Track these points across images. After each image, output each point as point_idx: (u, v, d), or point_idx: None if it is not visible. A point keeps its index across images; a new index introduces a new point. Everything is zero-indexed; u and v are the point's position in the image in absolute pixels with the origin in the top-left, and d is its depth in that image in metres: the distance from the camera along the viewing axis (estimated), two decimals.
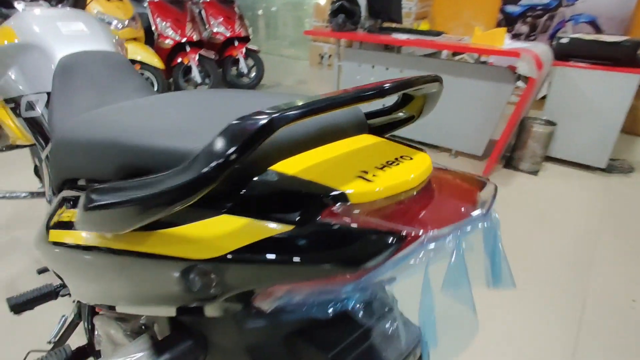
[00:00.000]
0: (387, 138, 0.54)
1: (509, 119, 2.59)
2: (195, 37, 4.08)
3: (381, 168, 0.43)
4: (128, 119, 0.53)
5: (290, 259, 0.36)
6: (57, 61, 0.87)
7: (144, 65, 3.66)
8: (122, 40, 1.10)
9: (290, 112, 0.35)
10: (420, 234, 0.35)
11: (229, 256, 0.38)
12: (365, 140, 0.52)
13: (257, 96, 0.62)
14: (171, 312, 0.47)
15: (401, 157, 0.47)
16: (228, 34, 4.41)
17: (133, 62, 3.62)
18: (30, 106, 0.93)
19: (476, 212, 0.40)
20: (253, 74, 4.69)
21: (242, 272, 0.40)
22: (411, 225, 0.36)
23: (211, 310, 0.44)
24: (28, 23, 0.92)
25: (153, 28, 3.96)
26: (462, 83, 2.80)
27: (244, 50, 4.43)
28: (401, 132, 0.65)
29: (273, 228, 0.38)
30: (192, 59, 4.01)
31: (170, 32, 3.97)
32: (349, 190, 0.39)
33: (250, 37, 4.66)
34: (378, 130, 0.63)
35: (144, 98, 0.65)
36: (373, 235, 0.35)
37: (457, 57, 4.28)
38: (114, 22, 3.56)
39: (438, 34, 3.03)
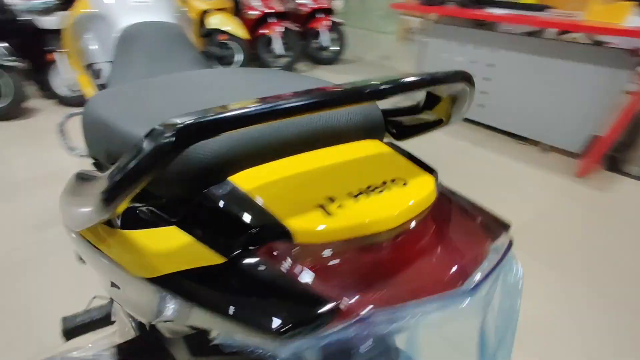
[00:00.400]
0: (394, 148, 0.45)
1: (622, 111, 2.18)
2: (279, 9, 4.10)
3: (356, 195, 0.34)
4: (122, 101, 0.51)
5: (214, 303, 0.30)
6: (120, 31, 0.90)
7: (230, 35, 3.79)
8: (186, 11, 1.12)
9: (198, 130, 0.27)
10: (364, 312, 0.26)
11: (165, 279, 0.34)
12: (366, 149, 0.43)
13: (276, 79, 0.56)
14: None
15: (393, 180, 0.37)
16: (313, 6, 4.35)
17: (221, 32, 3.77)
18: (100, 74, 0.99)
19: (461, 284, 0.30)
20: (335, 48, 4.61)
21: (175, 303, 0.34)
22: (358, 291, 0.27)
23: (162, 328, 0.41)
24: None
25: None
26: (565, 66, 2.42)
27: (327, 22, 4.35)
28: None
29: (208, 256, 0.33)
30: (274, 31, 4.04)
31: (256, 3, 4.04)
32: (295, 226, 0.31)
33: (338, 8, 4.56)
34: (402, 132, 0.53)
35: (165, 76, 0.63)
36: (298, 298, 0.27)
37: (565, 36, 3.71)
38: None
39: (543, 8, 2.63)
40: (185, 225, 0.35)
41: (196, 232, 0.35)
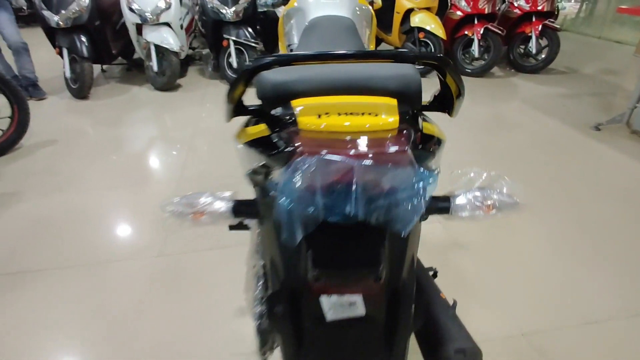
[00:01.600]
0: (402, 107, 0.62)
1: None
2: (486, 10, 3.94)
3: (340, 115, 0.55)
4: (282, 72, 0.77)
5: (259, 147, 0.59)
6: (308, 21, 1.20)
7: (429, 34, 3.90)
8: (366, 8, 1.34)
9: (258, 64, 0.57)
10: (306, 153, 0.48)
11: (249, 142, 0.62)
12: (378, 100, 0.61)
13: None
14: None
15: (370, 113, 0.56)
16: (527, 8, 4.01)
17: (420, 30, 3.92)
18: None
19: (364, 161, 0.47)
20: (542, 56, 4.14)
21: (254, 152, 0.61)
22: (312, 149, 0.48)
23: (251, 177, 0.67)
24: None
25: None
26: None
27: (539, 27, 3.94)
28: None
29: (267, 131, 0.60)
30: (475, 32, 3.93)
31: (462, 3, 4.00)
32: (300, 121, 0.57)
33: (559, 11, 4.06)
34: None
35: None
36: (289, 147, 0.50)
37: None
38: None
39: None
40: (267, 122, 0.62)
41: (267, 124, 0.61)
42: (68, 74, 3.45)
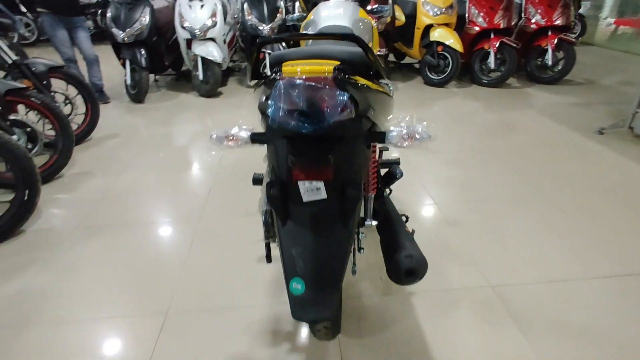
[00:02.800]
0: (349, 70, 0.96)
1: None
2: (502, 25, 4.21)
3: (303, 65, 0.90)
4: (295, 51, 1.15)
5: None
6: (318, 29, 1.58)
7: (447, 47, 4.22)
8: (367, 21, 1.71)
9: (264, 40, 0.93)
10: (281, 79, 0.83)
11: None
12: (328, 61, 0.96)
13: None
14: None
15: (324, 69, 0.89)
16: (543, 23, 4.24)
17: (439, 44, 4.24)
18: None
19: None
20: (558, 67, 4.33)
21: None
22: (284, 77, 0.84)
23: None
24: (316, 9, 1.68)
25: (466, 15, 4.39)
26: None
27: (555, 41, 4.15)
28: None
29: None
30: (492, 46, 4.20)
31: (479, 19, 4.29)
32: (284, 71, 0.90)
33: (575, 25, 4.24)
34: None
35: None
36: (272, 77, 0.86)
37: None
38: (434, 10, 4.25)
39: None
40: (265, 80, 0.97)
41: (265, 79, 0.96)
42: (129, 81, 4.05)
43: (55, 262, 1.79)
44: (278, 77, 0.88)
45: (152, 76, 4.90)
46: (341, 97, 0.83)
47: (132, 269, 1.74)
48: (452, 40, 4.18)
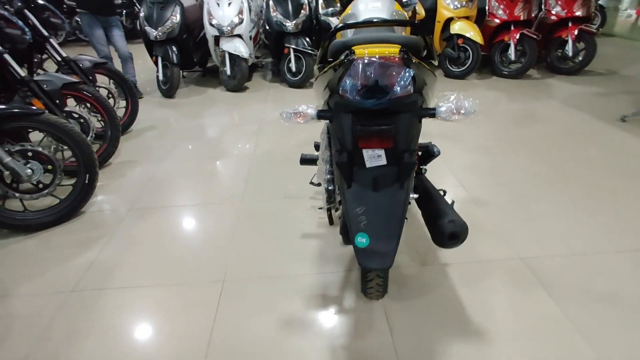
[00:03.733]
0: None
1: None
2: (522, 17, 4.27)
3: (373, 48, 1.03)
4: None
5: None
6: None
7: (467, 40, 4.30)
8: (401, 14, 1.83)
9: (343, 26, 1.11)
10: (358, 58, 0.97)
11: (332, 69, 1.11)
12: (391, 46, 1.10)
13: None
14: None
15: (387, 51, 1.03)
16: (563, 14, 4.28)
17: (459, 36, 4.33)
18: None
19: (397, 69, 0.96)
20: (579, 58, 4.37)
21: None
22: (360, 57, 0.99)
23: None
24: (355, 3, 1.82)
25: (487, 8, 4.46)
26: None
27: (575, 32, 4.20)
28: None
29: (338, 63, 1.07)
30: (512, 37, 4.27)
31: (499, 12, 4.36)
32: (356, 52, 1.05)
33: (596, 16, 4.28)
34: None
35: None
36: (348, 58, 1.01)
37: None
38: (454, 3, 4.34)
39: None
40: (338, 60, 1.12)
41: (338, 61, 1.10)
42: (161, 77, 4.25)
43: (117, 238, 1.98)
44: (354, 58, 1.02)
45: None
46: (408, 74, 0.97)
47: (186, 244, 1.91)
48: (472, 32, 4.26)
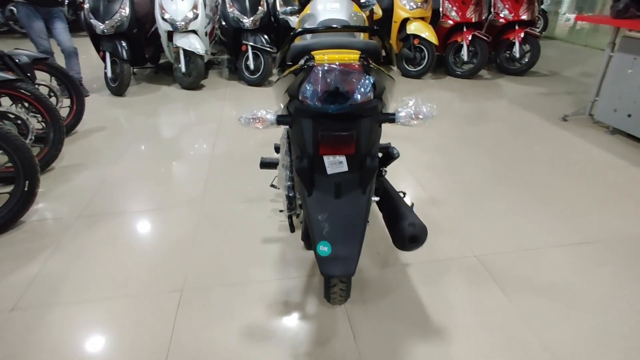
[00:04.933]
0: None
1: None
2: (474, 19, 4.46)
3: (333, 54, 1.02)
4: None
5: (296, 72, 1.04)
6: (317, 22, 1.70)
7: (423, 40, 4.41)
8: (360, 15, 1.84)
9: (302, 31, 1.06)
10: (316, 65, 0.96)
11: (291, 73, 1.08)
12: (351, 51, 1.10)
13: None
14: None
15: (347, 57, 1.02)
16: (510, 18, 4.51)
17: (415, 36, 4.43)
18: None
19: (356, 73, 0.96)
20: (525, 60, 4.63)
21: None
22: (317, 65, 0.97)
23: None
24: (313, 3, 1.80)
25: (440, 10, 4.61)
26: None
27: (521, 34, 4.44)
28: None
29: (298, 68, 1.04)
30: (465, 39, 4.44)
31: (453, 13, 4.52)
32: (316, 59, 1.02)
33: (539, 20, 4.54)
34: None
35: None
36: (306, 65, 0.98)
37: None
38: (410, 4, 4.44)
39: None
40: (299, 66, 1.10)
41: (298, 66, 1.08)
42: (109, 74, 4.01)
43: (64, 248, 1.84)
44: (314, 64, 1.00)
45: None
46: (368, 81, 0.97)
47: (142, 252, 1.82)
48: (427, 33, 4.38)
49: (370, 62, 1.07)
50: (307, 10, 1.85)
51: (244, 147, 2.89)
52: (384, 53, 1.33)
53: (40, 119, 2.56)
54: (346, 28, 1.10)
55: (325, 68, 0.97)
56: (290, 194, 1.23)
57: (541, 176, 2.46)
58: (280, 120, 1.13)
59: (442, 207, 2.15)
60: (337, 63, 0.98)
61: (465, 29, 4.48)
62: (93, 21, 3.89)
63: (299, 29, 1.12)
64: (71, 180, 2.47)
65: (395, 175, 2.50)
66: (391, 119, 1.11)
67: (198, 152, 2.84)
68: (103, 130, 3.25)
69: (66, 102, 3.08)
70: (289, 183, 1.23)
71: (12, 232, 1.97)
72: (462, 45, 4.51)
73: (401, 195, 1.45)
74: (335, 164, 1.05)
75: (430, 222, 2.02)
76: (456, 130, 3.20)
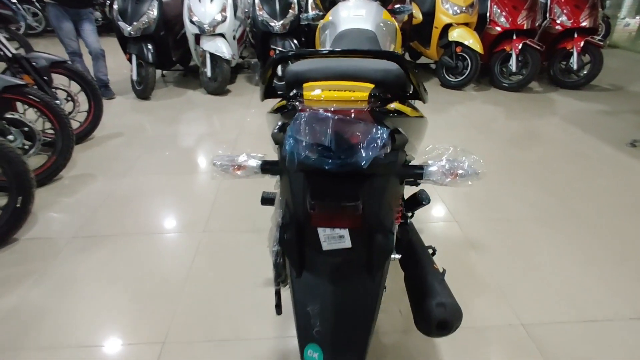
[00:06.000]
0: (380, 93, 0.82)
1: None
2: (525, 26, 4.00)
3: (330, 90, 0.76)
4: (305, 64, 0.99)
5: (279, 111, 0.80)
6: (337, 33, 1.42)
7: (465, 47, 4.02)
8: (391, 24, 1.54)
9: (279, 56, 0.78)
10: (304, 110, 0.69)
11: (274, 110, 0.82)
12: (359, 83, 0.82)
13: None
14: None
15: (350, 90, 0.76)
16: (569, 25, 4.02)
17: (458, 44, 4.04)
18: None
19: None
20: (584, 72, 4.11)
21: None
22: (306, 108, 0.69)
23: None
24: (335, 10, 1.52)
25: (488, 14, 4.18)
26: None
27: (581, 43, 3.94)
28: None
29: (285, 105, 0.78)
30: (514, 48, 3.99)
31: (502, 19, 4.08)
32: (305, 95, 0.78)
33: (601, 27, 4.02)
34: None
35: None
36: (292, 107, 0.73)
37: None
38: (454, 8, 4.05)
39: None
40: (287, 99, 0.82)
41: (287, 100, 0.80)
42: (135, 77, 3.91)
43: (49, 277, 1.67)
44: (298, 106, 0.72)
45: (159, 71, 4.76)
46: (379, 133, 0.68)
47: (129, 287, 1.61)
48: (471, 40, 3.99)
49: (385, 101, 0.79)
50: (328, 17, 1.58)
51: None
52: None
53: (51, 126, 2.44)
54: (349, 53, 0.80)
55: (312, 117, 0.68)
56: (279, 260, 0.95)
57: (609, 218, 2.04)
58: (265, 168, 0.86)
59: (481, 254, 1.80)
60: (332, 107, 0.69)
61: (515, 37, 4.03)
62: (120, 23, 3.80)
63: (279, 53, 0.83)
64: (76, 192, 2.33)
65: (429, 205, 2.16)
66: (417, 174, 0.81)
67: (211, 166, 2.63)
68: (120, 136, 3.12)
69: (84, 106, 2.97)
70: (277, 248, 0.96)
71: (2, 252, 1.82)
72: (510, 55, 4.06)
73: (430, 252, 1.13)
74: (334, 238, 0.76)
75: (465, 272, 1.68)
76: (500, 153, 2.80)
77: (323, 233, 0.76)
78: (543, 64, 4.23)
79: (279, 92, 0.93)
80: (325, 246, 0.77)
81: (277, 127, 0.80)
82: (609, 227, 1.96)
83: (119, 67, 4.96)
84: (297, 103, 0.76)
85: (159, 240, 1.90)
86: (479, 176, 0.78)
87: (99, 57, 3.83)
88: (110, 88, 4.05)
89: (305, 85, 0.83)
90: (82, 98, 2.96)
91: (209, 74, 4.02)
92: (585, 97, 4.00)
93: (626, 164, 2.61)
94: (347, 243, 0.76)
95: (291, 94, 0.86)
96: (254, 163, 0.86)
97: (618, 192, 2.28)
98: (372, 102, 0.75)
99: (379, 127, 0.69)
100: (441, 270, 1.05)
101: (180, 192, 2.32)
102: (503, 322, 1.45)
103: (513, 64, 4.05)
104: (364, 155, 0.67)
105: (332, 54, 0.82)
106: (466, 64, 4.13)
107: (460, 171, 0.77)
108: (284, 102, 0.87)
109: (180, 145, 2.96)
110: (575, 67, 4.06)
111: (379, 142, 0.67)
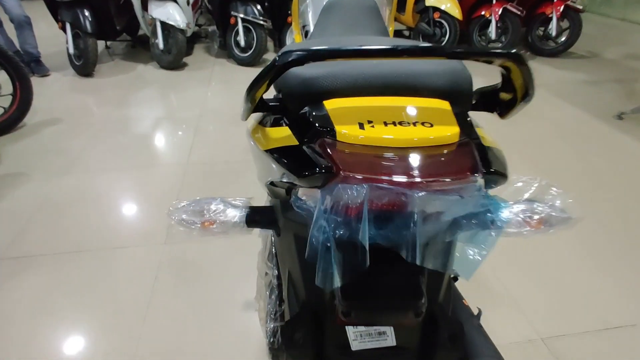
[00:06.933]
0: (457, 109, 0.52)
1: None
2: None
3: (387, 124, 0.45)
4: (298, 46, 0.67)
5: (288, 160, 0.48)
6: (327, 1, 1.10)
7: (444, 14, 3.75)
8: None
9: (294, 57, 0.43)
10: (338, 173, 0.41)
11: (272, 150, 0.52)
12: (428, 103, 0.52)
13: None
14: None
15: (423, 123, 0.46)
16: None
17: (435, 9, 3.76)
18: (308, 35, 1.23)
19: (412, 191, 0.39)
20: (562, 39, 3.96)
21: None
22: (358, 172, 0.39)
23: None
24: None
25: None
26: None
27: (560, 8, 3.75)
28: None
29: (293, 140, 0.50)
30: (493, 13, 3.76)
31: None
32: (339, 130, 0.46)
33: None
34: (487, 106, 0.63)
35: (340, 37, 0.78)
36: (322, 165, 0.42)
37: None
38: None
39: None
40: (291, 126, 0.52)
41: (293, 129, 0.51)
42: (71, 50, 3.35)
43: None
44: (330, 165, 0.43)
45: (102, 43, 4.16)
46: (490, 214, 0.40)
47: (74, 323, 1.29)
48: (449, 5, 3.72)
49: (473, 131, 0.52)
50: None
51: (229, 151, 2.32)
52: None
53: None
54: (424, 51, 0.46)
55: (377, 194, 0.41)
56: (276, 346, 0.68)
57: (612, 204, 1.91)
58: (253, 220, 0.57)
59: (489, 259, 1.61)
60: (407, 174, 0.42)
61: (494, 1, 3.79)
62: None
63: (284, 55, 0.45)
64: (3, 197, 1.92)
65: None
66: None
67: (169, 159, 2.27)
68: (58, 123, 2.65)
69: (6, 88, 2.46)
70: (272, 324, 0.68)
71: None
72: (489, 21, 3.83)
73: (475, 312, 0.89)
74: (370, 335, 0.50)
75: (477, 285, 1.49)
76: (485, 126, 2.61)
77: (354, 330, 0.49)
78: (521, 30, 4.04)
79: (271, 104, 0.58)
80: (357, 345, 0.50)
81: (280, 179, 0.50)
82: (616, 217, 1.83)
83: (55, 37, 4.29)
84: (324, 147, 0.45)
85: (111, 258, 1.57)
86: (570, 223, 0.53)
87: (23, 25, 3.22)
88: (42, 63, 3.47)
89: (328, 104, 0.50)
90: (3, 78, 2.44)
91: (160, 45, 3.52)
92: (564, 65, 3.87)
93: (616, 139, 2.50)
94: (389, 341, 0.50)
95: (303, 115, 0.52)
96: (236, 214, 0.57)
97: (616, 174, 2.16)
98: (467, 143, 0.47)
99: (493, 199, 0.42)
100: (476, 312, 0.82)
101: (136, 192, 1.96)
102: (522, 338, 1.27)
103: (492, 30, 3.82)
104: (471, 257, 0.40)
105: (374, 54, 0.45)
106: (444, 31, 3.87)
107: (544, 217, 0.51)
108: (287, 131, 0.53)
109: (133, 132, 2.55)
110: (554, 33, 3.89)
111: (498, 228, 0.40)
